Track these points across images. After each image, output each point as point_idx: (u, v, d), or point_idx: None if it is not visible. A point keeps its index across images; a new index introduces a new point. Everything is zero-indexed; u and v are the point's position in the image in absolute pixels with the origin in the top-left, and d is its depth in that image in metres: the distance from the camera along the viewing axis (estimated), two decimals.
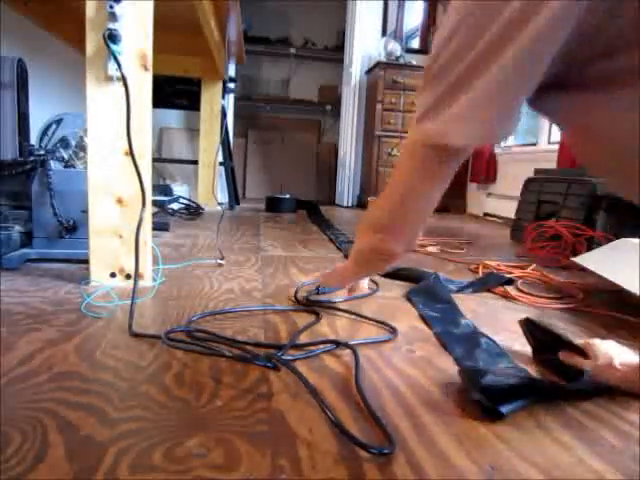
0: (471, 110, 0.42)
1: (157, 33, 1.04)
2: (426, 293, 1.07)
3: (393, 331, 0.83)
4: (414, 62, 3.63)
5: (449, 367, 0.70)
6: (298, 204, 3.16)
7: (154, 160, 1.88)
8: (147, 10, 1.00)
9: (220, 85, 2.98)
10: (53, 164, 1.24)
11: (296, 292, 1.01)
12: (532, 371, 0.68)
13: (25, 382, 0.57)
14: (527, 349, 0.75)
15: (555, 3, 0.35)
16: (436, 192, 0.57)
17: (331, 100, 4.72)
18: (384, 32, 3.89)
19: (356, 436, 0.48)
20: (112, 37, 0.95)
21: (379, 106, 3.53)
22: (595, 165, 0.45)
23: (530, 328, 0.73)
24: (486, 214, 3.36)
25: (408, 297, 1.06)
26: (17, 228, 1.21)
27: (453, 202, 3.71)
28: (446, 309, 0.97)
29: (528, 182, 2.29)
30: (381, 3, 3.89)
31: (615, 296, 1.11)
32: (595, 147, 0.41)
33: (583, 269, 1.25)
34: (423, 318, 0.92)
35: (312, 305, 0.95)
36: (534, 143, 3.06)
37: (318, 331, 0.82)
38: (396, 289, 1.15)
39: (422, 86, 0.47)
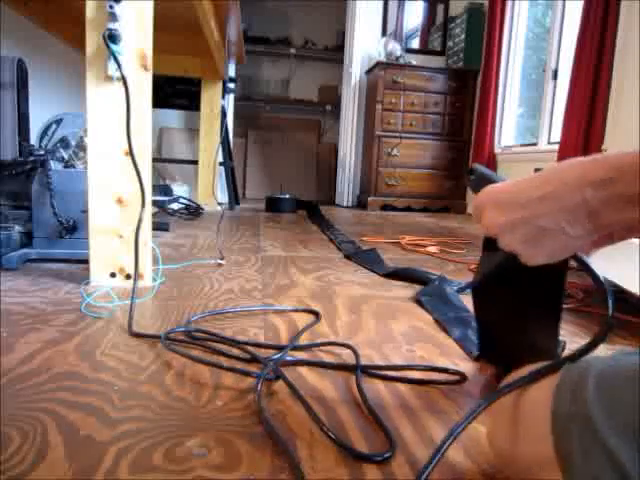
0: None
1: (157, 33, 1.04)
2: (437, 296, 1.05)
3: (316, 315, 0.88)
4: (414, 62, 3.63)
5: (449, 367, 0.70)
6: (298, 204, 3.16)
7: (154, 160, 1.88)
8: (147, 10, 1.00)
9: (220, 85, 2.98)
10: (53, 164, 1.24)
11: None
12: None
13: (25, 382, 0.57)
14: None
15: None
16: None
17: (331, 100, 4.72)
18: (384, 32, 3.89)
19: (356, 449, 0.48)
20: (112, 37, 0.95)
21: (379, 106, 3.53)
22: None
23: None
24: None
25: (417, 299, 1.05)
26: (17, 228, 1.21)
27: (453, 202, 3.72)
28: (460, 313, 0.96)
29: None
30: (381, 3, 3.89)
31: (615, 296, 1.11)
32: None
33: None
34: (438, 322, 0.91)
35: None
36: (534, 143, 3.06)
37: (318, 331, 0.82)
38: (396, 289, 1.15)
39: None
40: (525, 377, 0.39)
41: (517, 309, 0.56)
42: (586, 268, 0.42)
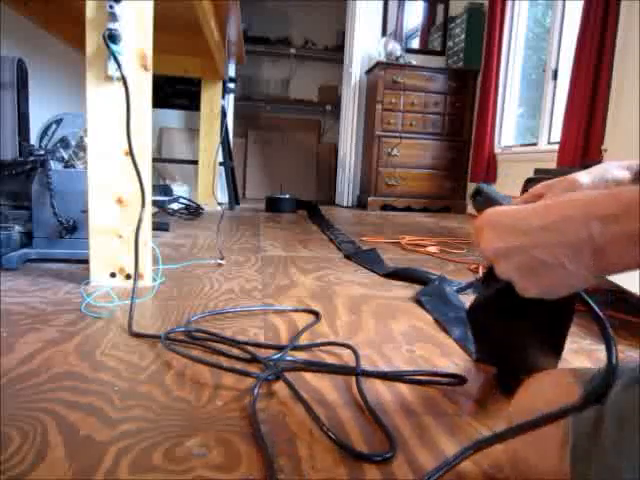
0: None
1: (157, 33, 1.04)
2: (437, 296, 1.05)
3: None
4: (414, 62, 3.63)
5: (449, 367, 0.70)
6: (298, 204, 3.16)
7: (154, 160, 1.88)
8: (147, 10, 1.00)
9: (220, 85, 2.98)
10: (53, 164, 1.24)
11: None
12: None
13: (25, 382, 0.57)
14: None
15: None
16: None
17: (331, 100, 4.72)
18: (384, 32, 3.89)
19: (356, 449, 0.48)
20: (112, 37, 0.95)
21: (379, 106, 3.53)
22: None
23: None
24: None
25: (417, 299, 1.05)
26: (17, 228, 1.21)
27: (453, 202, 3.72)
28: (460, 313, 0.95)
29: (528, 182, 2.29)
30: (381, 3, 3.89)
31: (615, 296, 1.11)
32: None
33: None
34: (438, 322, 0.91)
35: None
36: (534, 143, 3.06)
37: (318, 331, 0.82)
38: (396, 289, 1.15)
39: None
40: (532, 422, 0.36)
41: (519, 327, 0.54)
42: (592, 311, 0.39)
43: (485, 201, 0.51)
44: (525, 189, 2.29)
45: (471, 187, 3.71)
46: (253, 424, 0.50)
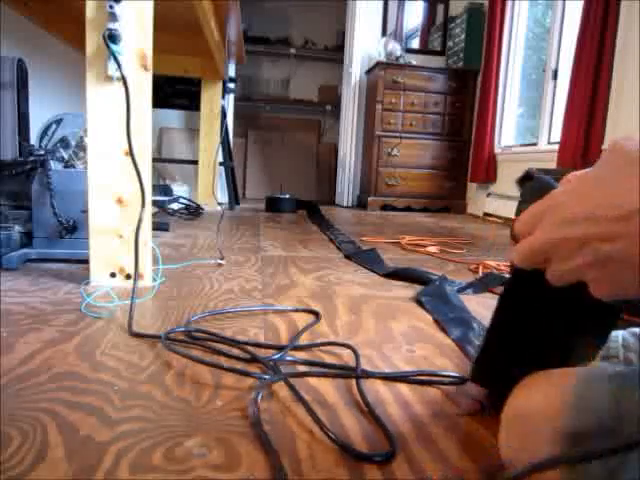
0: None
1: (157, 33, 1.04)
2: (437, 296, 1.05)
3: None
4: (414, 62, 3.63)
5: (449, 367, 0.70)
6: (298, 204, 3.16)
7: (154, 160, 1.88)
8: (147, 10, 1.00)
9: (220, 85, 2.98)
10: (53, 164, 1.24)
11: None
12: None
13: (25, 382, 0.57)
14: None
15: None
16: None
17: (331, 100, 4.72)
18: (384, 32, 3.89)
19: (357, 449, 0.48)
20: (112, 37, 0.95)
21: (379, 106, 3.53)
22: None
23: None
24: (486, 214, 3.35)
25: (418, 300, 1.05)
26: (17, 228, 1.21)
27: (453, 202, 3.72)
28: (460, 313, 0.95)
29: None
30: (381, 3, 3.89)
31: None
32: None
33: None
34: (437, 322, 0.91)
35: None
36: (534, 143, 3.06)
37: (318, 331, 0.82)
38: (396, 289, 1.15)
39: None
40: (578, 456, 0.30)
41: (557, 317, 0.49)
42: None
43: (541, 187, 0.42)
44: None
45: (471, 187, 3.71)
46: (256, 424, 0.50)
